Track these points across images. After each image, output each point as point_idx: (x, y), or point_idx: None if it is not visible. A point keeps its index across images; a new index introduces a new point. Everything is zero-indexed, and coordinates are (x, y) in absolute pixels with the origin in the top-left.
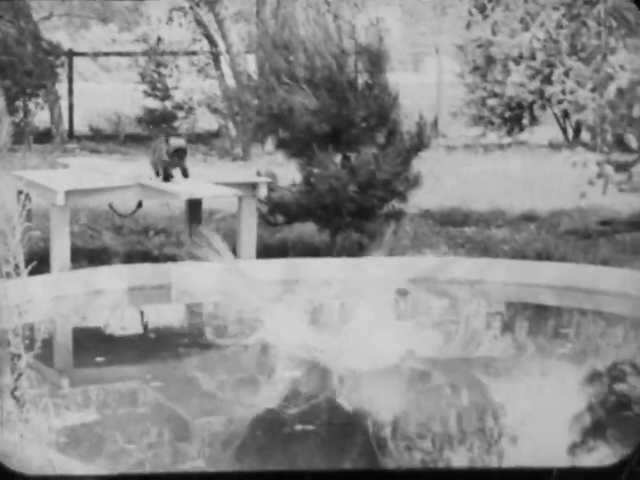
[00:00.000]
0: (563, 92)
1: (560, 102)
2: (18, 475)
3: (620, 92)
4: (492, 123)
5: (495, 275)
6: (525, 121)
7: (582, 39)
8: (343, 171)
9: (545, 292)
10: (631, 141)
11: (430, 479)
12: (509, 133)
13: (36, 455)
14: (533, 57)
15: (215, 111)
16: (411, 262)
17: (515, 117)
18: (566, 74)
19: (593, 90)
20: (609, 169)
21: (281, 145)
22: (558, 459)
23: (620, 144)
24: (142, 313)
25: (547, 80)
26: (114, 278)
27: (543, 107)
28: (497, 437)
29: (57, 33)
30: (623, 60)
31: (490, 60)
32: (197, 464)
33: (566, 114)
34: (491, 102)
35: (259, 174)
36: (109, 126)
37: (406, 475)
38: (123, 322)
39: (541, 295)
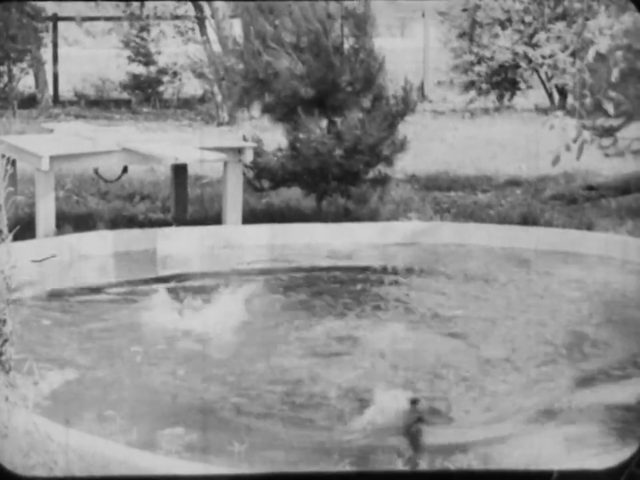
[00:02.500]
0: (544, 56)
1: (540, 65)
2: (17, 476)
3: (599, 56)
4: (480, 89)
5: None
6: (514, 86)
7: (564, 2)
8: (328, 136)
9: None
10: (608, 106)
11: None
12: (499, 99)
13: (22, 419)
14: (519, 21)
15: (200, 75)
16: (397, 227)
17: (503, 81)
18: (548, 38)
19: (573, 54)
20: (586, 134)
21: (266, 109)
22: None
23: (599, 109)
24: None
25: (532, 44)
26: (99, 243)
27: (531, 72)
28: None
29: None
30: (602, 24)
31: (476, 24)
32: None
33: (551, 78)
34: (478, 67)
35: (244, 139)
36: (94, 91)
37: (405, 476)
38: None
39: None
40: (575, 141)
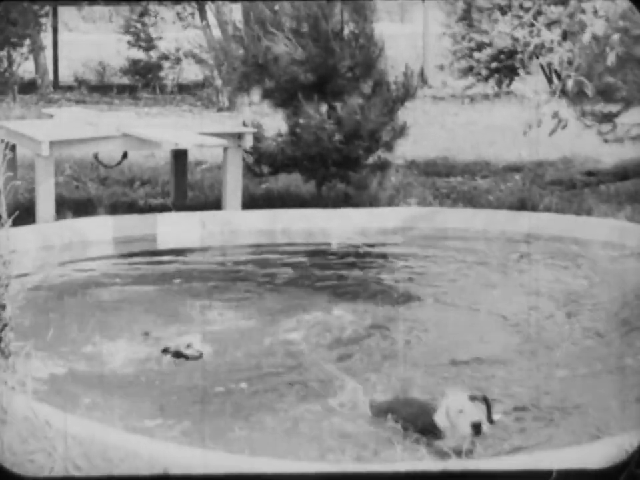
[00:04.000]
0: (532, 34)
1: (527, 45)
2: (17, 476)
3: (594, 39)
4: (479, 74)
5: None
6: (513, 71)
7: None
8: (328, 121)
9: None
10: (588, 89)
11: None
12: (498, 84)
13: (20, 404)
14: (519, 6)
15: (200, 61)
16: (396, 212)
17: (503, 67)
18: (536, 17)
19: (564, 35)
20: (562, 113)
21: (266, 94)
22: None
23: (582, 90)
24: None
25: (530, 28)
26: (99, 228)
27: (530, 57)
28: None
29: None
30: (598, 7)
31: (474, 8)
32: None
33: (551, 63)
34: (477, 52)
35: (244, 124)
36: (94, 76)
37: (406, 476)
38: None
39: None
40: (553, 117)
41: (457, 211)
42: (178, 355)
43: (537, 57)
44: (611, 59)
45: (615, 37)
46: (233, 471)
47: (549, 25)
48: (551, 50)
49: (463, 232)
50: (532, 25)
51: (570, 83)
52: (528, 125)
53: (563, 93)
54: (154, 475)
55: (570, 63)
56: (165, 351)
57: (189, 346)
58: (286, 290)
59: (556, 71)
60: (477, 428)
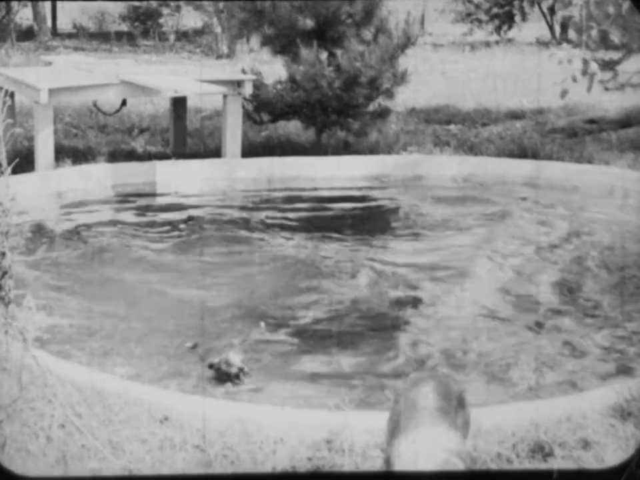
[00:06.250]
0: None
1: None
2: (16, 475)
3: None
4: (479, 21)
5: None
6: (513, 18)
7: None
8: (328, 68)
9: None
10: (616, 37)
11: None
12: (497, 30)
13: (20, 353)
14: None
15: (199, 7)
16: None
17: (502, 14)
18: None
19: None
20: (593, 66)
21: (265, 41)
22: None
23: (605, 41)
24: None
25: None
26: (98, 176)
27: (532, 4)
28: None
29: None
30: None
31: None
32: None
33: (553, 11)
34: None
35: (244, 71)
36: (93, 23)
37: (405, 477)
38: None
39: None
40: (583, 73)
41: (457, 158)
42: (220, 373)
43: (539, 4)
44: (625, 7)
45: None
46: (232, 418)
47: None
48: (570, 3)
49: (463, 179)
50: None
51: (594, 33)
52: (565, 90)
53: (566, 40)
54: (154, 474)
55: (589, 14)
56: (211, 366)
57: (228, 364)
58: None
59: (557, 18)
60: None
